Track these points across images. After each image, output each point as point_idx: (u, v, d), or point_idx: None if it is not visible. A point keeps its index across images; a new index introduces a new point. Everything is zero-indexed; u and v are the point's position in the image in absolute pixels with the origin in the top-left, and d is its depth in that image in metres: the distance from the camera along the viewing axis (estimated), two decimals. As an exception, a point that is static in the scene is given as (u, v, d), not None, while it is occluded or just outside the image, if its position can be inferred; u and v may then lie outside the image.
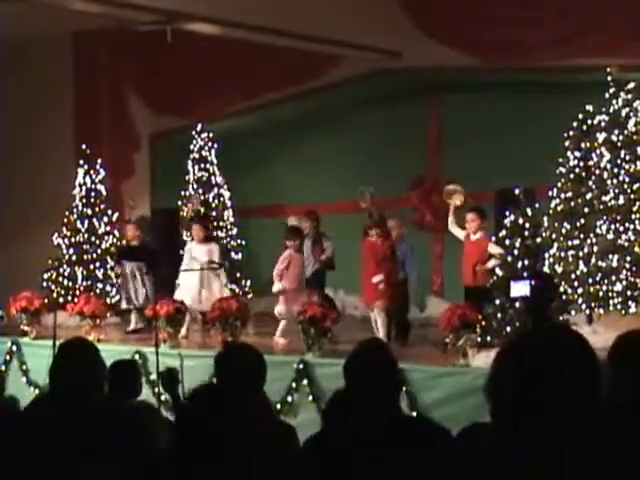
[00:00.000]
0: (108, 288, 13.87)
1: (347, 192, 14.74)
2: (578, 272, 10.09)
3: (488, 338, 8.38)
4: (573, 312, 9.66)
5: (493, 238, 9.90)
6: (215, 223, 14.38)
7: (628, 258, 9.87)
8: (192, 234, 12.28)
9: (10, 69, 14.98)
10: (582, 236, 10.20)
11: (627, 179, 10.14)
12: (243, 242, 14.92)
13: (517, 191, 9.01)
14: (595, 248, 10.05)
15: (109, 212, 14.31)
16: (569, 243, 10.24)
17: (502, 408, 2.42)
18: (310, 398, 8.70)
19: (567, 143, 10.51)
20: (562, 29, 12.14)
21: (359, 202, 11.57)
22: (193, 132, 15.19)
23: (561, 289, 9.58)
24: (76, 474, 3.82)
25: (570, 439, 2.31)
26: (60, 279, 13.77)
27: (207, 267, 11.65)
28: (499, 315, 8.46)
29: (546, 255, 9.84)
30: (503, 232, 8.91)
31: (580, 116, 10.50)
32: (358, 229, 12.49)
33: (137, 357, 9.40)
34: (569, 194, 10.42)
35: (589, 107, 10.50)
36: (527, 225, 8.67)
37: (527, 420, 2.34)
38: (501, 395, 2.42)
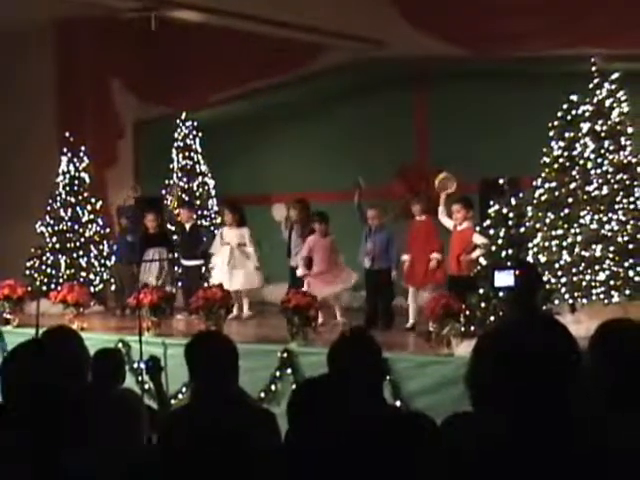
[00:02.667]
0: (92, 276, 13.85)
1: (332, 181, 14.76)
2: (562, 262, 10.10)
3: (472, 327, 8.41)
4: (556, 301, 9.71)
5: (477, 228, 9.94)
6: (199, 212, 14.37)
7: (611, 248, 9.90)
8: (224, 219, 12.98)
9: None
10: (566, 226, 10.21)
11: (611, 169, 10.15)
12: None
13: (501, 181, 9.02)
14: (579, 238, 10.07)
15: (93, 200, 14.27)
16: (553, 233, 10.25)
17: (482, 397, 2.42)
18: (294, 387, 8.70)
19: (551, 133, 10.51)
20: (547, 19, 12.16)
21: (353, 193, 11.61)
22: (177, 120, 15.15)
23: (544, 278, 9.61)
24: (60, 461, 3.80)
25: (549, 426, 2.32)
26: (43, 267, 13.73)
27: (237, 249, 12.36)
28: (483, 304, 8.49)
29: (530, 245, 9.86)
30: (487, 222, 8.93)
31: (564, 106, 10.50)
32: (344, 217, 12.50)
33: (121, 345, 9.39)
34: (553, 184, 10.43)
35: (573, 97, 10.50)
36: (511, 215, 8.69)
37: (507, 408, 2.34)
38: (481, 383, 2.42)
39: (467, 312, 8.50)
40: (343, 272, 11.44)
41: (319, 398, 3.43)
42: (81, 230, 14.03)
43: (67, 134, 14.18)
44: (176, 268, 13.47)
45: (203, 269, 13.07)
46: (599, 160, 10.20)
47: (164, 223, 13.47)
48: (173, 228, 14.45)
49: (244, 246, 12.37)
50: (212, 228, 14.43)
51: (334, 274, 11.37)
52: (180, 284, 13.28)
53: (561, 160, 10.44)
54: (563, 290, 10.03)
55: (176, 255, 13.11)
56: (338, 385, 3.58)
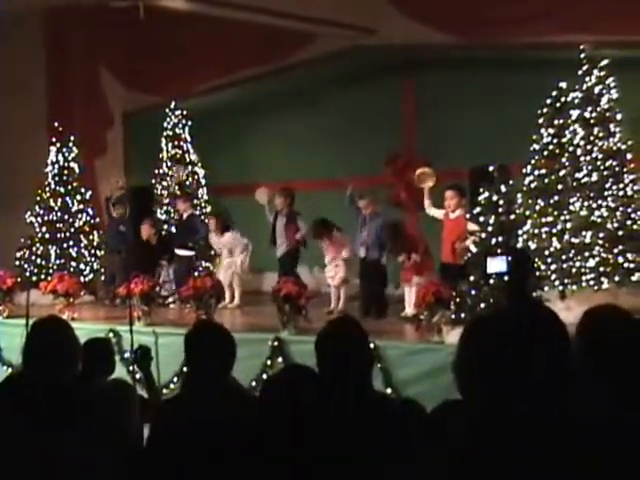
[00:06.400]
0: (82, 266, 13.83)
1: (321, 170, 14.76)
2: (552, 248, 10.14)
3: (462, 315, 8.42)
4: (546, 288, 9.73)
5: (467, 215, 9.94)
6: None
7: (601, 234, 9.93)
8: (209, 226, 12.90)
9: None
10: (556, 213, 10.24)
11: (600, 156, 10.19)
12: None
13: (491, 168, 9.03)
14: (568, 225, 10.10)
15: (82, 190, 14.25)
16: (543, 220, 10.29)
17: (469, 385, 2.42)
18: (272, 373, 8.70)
19: (541, 120, 10.53)
20: (536, 6, 12.14)
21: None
22: (167, 109, 15.11)
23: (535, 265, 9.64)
24: (49, 449, 3.81)
25: (535, 413, 2.32)
26: (33, 257, 13.71)
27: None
28: (473, 292, 8.50)
29: (520, 232, 9.88)
30: (477, 209, 8.94)
31: (554, 93, 10.51)
32: (333, 206, 12.50)
33: (111, 335, 9.38)
34: (543, 171, 10.45)
35: (563, 84, 10.52)
36: (501, 202, 8.69)
37: (495, 395, 2.35)
38: (468, 372, 2.42)
39: (457, 299, 8.51)
40: (340, 265, 11.39)
41: (304, 385, 3.43)
42: (71, 220, 14.01)
43: (56, 124, 14.14)
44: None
45: (194, 259, 13.09)
46: (588, 147, 10.23)
47: (160, 231, 13.55)
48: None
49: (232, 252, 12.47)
50: (202, 217, 14.41)
51: (336, 265, 11.36)
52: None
53: (551, 147, 10.46)
54: (553, 277, 10.06)
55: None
56: (324, 372, 3.59)
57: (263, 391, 3.60)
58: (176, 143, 15.09)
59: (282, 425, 3.38)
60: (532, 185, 10.47)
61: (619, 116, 10.40)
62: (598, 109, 10.34)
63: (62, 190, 14.06)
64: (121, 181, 14.67)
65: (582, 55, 10.47)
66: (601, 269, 9.92)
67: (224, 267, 12.37)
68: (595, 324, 2.86)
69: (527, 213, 10.32)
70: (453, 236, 10.10)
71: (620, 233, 9.97)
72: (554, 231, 10.19)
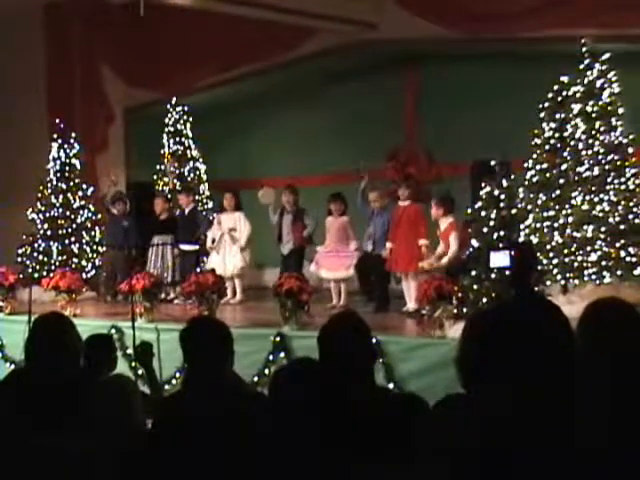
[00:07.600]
0: (84, 263, 13.83)
1: (323, 165, 14.76)
2: (553, 243, 10.13)
3: (464, 309, 8.41)
4: (548, 282, 9.73)
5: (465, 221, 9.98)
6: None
7: (603, 228, 9.92)
8: (224, 203, 12.73)
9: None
10: (557, 207, 10.23)
11: (602, 150, 10.17)
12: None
13: (493, 162, 9.02)
14: (570, 219, 10.09)
15: (84, 186, 14.25)
16: (544, 214, 10.27)
17: (471, 379, 2.42)
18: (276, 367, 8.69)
19: (542, 114, 10.51)
20: (537, 0, 12.13)
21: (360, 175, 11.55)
22: (168, 105, 15.10)
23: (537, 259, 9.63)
24: (51, 445, 3.81)
25: (540, 407, 2.32)
26: (35, 254, 13.72)
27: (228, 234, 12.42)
28: (475, 286, 8.49)
29: (521, 226, 9.87)
30: (479, 203, 8.93)
31: (555, 87, 10.50)
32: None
33: (113, 332, 9.38)
34: (544, 165, 10.44)
35: (564, 78, 10.50)
36: (502, 196, 8.69)
37: (497, 390, 2.34)
38: (469, 365, 2.42)
39: (459, 294, 8.50)
40: (348, 259, 11.31)
41: (307, 381, 3.42)
42: (72, 216, 14.01)
43: (57, 120, 14.14)
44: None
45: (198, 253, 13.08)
46: (590, 141, 10.21)
47: (172, 209, 13.51)
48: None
49: (234, 231, 12.35)
50: (204, 213, 14.40)
51: (339, 258, 11.27)
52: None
53: (552, 141, 10.44)
54: (555, 271, 10.05)
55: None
56: (327, 367, 3.59)
57: (273, 385, 3.58)
58: (177, 139, 15.08)
59: (286, 420, 3.38)
60: (534, 179, 10.46)
61: (621, 110, 10.38)
62: (600, 103, 10.31)
63: (63, 186, 14.06)
64: (114, 177, 14.58)
65: (583, 49, 10.45)
66: (603, 263, 9.91)
67: (219, 263, 12.28)
68: (598, 316, 2.86)
69: (529, 207, 10.31)
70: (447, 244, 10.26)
71: (622, 227, 9.96)
72: (556, 225, 10.18)
